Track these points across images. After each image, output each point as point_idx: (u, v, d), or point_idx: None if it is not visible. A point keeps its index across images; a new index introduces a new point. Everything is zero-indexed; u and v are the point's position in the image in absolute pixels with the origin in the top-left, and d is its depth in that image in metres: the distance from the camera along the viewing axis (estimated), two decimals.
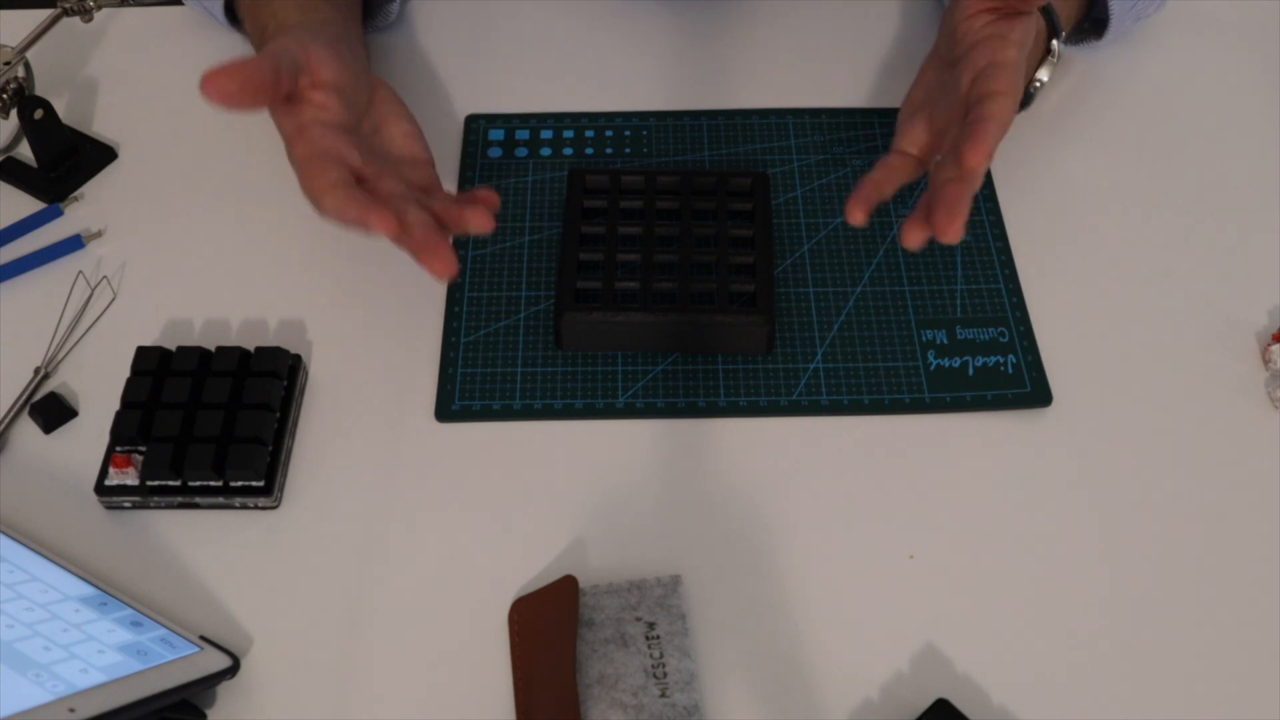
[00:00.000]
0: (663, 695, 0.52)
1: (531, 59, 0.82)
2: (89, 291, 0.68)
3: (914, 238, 0.56)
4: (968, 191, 0.55)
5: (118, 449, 0.60)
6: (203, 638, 0.54)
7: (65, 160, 0.74)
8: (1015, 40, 0.60)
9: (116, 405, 0.61)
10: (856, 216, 0.59)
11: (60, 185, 0.74)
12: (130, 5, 0.86)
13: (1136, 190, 0.74)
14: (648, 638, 0.54)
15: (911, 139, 0.63)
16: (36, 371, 0.65)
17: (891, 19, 0.84)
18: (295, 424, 0.63)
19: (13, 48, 0.72)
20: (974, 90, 0.58)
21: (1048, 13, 0.71)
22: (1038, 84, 0.73)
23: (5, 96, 0.71)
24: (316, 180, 0.56)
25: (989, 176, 0.74)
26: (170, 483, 0.59)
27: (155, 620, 0.54)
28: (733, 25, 0.84)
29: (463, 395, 0.64)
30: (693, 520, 0.60)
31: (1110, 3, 0.75)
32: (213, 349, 0.63)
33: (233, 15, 0.78)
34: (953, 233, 0.55)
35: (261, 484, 0.59)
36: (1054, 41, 0.72)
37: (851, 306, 0.68)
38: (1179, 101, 0.79)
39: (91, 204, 0.74)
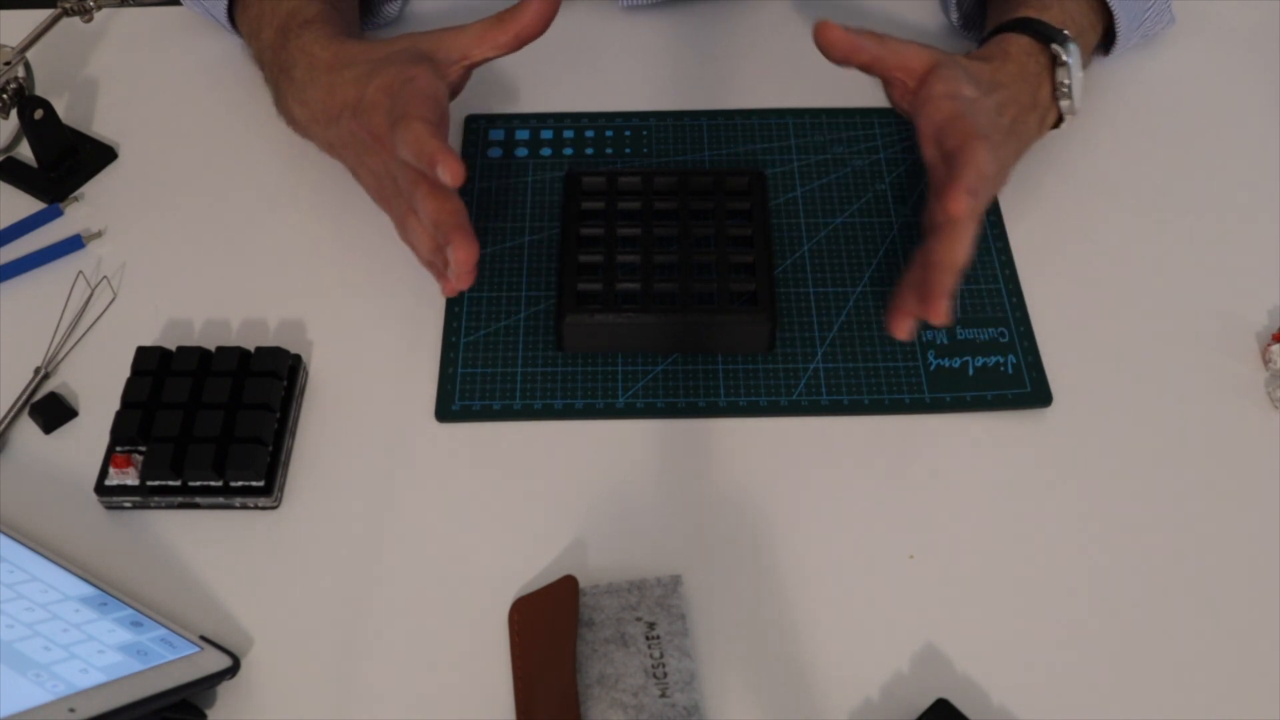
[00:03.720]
0: (663, 695, 0.52)
1: (531, 59, 0.82)
2: (89, 291, 0.68)
3: (903, 326, 0.60)
4: (951, 278, 0.58)
5: (118, 449, 0.60)
6: (203, 638, 0.54)
7: (65, 160, 0.74)
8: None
9: (116, 405, 0.61)
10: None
11: (60, 185, 0.74)
12: (130, 5, 0.85)
13: (1137, 190, 0.74)
14: (648, 638, 0.54)
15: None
16: (36, 371, 0.65)
17: (892, 19, 0.84)
18: (295, 424, 0.63)
19: (13, 48, 0.71)
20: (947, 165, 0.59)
21: (1040, 29, 0.67)
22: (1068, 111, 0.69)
23: (5, 96, 0.71)
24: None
25: None
26: (170, 483, 0.59)
27: (155, 620, 0.54)
28: (732, 26, 0.84)
29: (463, 395, 0.64)
30: (693, 520, 0.60)
31: (1118, 29, 0.75)
32: (213, 349, 0.63)
33: (234, 18, 0.77)
34: (941, 315, 0.58)
35: (261, 484, 0.59)
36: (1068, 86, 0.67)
37: (851, 306, 0.68)
38: (1179, 102, 0.79)
39: (91, 204, 0.74)
